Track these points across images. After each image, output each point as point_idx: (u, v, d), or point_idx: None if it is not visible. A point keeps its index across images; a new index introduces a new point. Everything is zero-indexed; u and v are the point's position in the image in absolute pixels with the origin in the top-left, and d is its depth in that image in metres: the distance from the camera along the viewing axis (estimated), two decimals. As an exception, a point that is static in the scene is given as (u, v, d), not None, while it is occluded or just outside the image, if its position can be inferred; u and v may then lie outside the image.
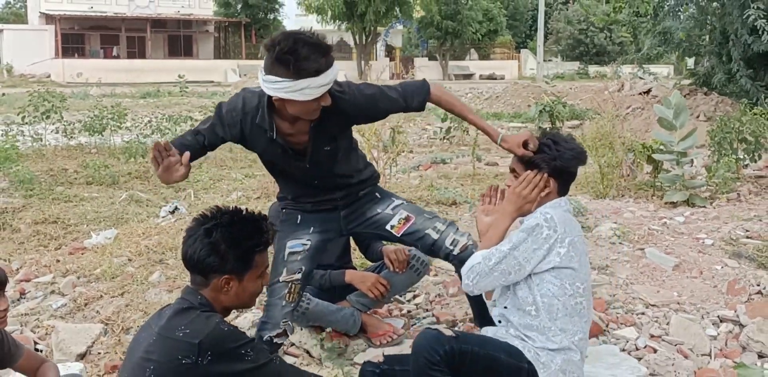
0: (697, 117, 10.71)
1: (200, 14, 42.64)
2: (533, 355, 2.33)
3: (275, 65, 2.46)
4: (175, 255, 4.46)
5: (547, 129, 2.14)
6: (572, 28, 44.93)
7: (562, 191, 2.53)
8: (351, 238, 3.53)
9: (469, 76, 42.11)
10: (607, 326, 3.32)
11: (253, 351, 2.07)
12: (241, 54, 42.15)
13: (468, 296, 2.99)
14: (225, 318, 2.15)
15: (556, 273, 2.36)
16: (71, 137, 9.84)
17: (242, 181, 7.67)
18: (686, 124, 5.86)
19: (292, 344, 3.33)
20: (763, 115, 6.59)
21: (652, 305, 3.54)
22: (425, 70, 38.72)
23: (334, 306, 3.32)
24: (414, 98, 2.79)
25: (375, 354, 3.09)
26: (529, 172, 2.49)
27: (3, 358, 2.36)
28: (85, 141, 9.96)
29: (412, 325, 3.53)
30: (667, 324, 3.33)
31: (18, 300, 4.12)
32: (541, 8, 35.58)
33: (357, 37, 38.21)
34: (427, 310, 3.69)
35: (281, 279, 2.87)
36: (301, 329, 3.33)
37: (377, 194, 3.01)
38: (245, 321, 3.54)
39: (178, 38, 42.43)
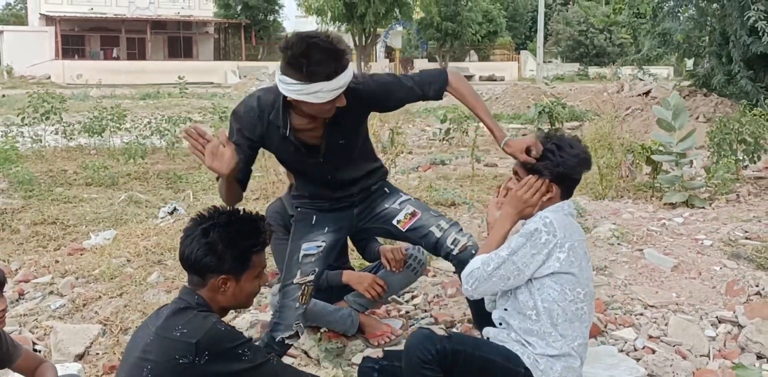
0: (697, 118, 10.69)
1: (200, 16, 42.66)
2: (532, 362, 2.32)
3: (288, 68, 2.44)
4: (174, 256, 4.47)
5: (551, 131, 2.12)
6: (572, 29, 44.99)
7: (565, 195, 2.50)
8: (348, 238, 3.53)
9: (468, 78, 42.04)
10: (605, 327, 3.31)
11: (250, 350, 2.07)
12: (241, 55, 42.19)
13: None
14: (222, 319, 2.14)
15: (556, 278, 2.34)
16: (71, 138, 9.85)
17: (241, 182, 7.65)
18: (685, 125, 5.87)
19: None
20: (763, 116, 6.60)
21: (651, 306, 3.53)
22: (425, 71, 38.67)
23: (332, 306, 3.31)
24: (431, 86, 2.74)
25: (374, 355, 3.09)
26: (530, 176, 2.46)
27: (1, 358, 2.36)
28: (85, 142, 9.97)
29: (410, 326, 3.52)
30: (666, 324, 3.32)
31: (17, 300, 4.12)
32: (541, 9, 35.57)
33: (357, 39, 38.17)
34: (425, 311, 3.69)
35: (295, 281, 2.86)
36: (300, 329, 3.33)
37: (386, 189, 3.02)
38: (243, 321, 3.53)
39: (178, 40, 42.44)
